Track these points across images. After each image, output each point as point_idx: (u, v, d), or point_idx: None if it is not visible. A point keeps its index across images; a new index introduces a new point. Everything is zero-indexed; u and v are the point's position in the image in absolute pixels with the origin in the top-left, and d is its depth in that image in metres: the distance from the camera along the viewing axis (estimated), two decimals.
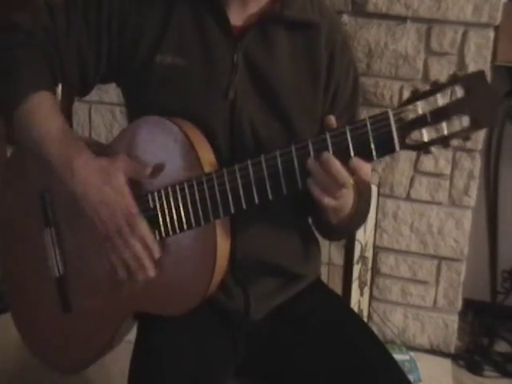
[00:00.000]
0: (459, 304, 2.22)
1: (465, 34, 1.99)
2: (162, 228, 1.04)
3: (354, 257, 1.95)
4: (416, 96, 0.91)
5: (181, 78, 1.10)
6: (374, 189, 1.97)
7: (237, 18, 1.12)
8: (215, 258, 1.02)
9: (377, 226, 2.13)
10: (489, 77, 2.01)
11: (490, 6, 1.94)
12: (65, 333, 1.16)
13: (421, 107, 0.91)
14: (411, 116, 0.91)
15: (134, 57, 1.12)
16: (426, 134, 0.91)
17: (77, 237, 1.13)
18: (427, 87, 0.92)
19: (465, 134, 0.90)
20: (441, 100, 0.90)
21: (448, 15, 1.98)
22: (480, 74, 0.88)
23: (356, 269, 1.99)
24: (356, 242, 1.95)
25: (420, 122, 0.90)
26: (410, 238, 2.17)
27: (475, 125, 0.88)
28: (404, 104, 0.92)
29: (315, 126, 1.15)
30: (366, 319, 2.16)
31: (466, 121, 0.89)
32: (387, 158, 2.09)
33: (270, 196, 0.99)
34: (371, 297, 2.22)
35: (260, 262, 1.16)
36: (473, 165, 2.08)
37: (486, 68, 2.00)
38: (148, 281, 1.04)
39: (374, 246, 2.14)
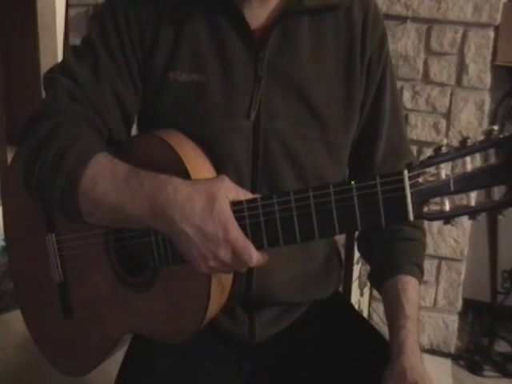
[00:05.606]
0: (459, 304, 2.21)
1: (465, 34, 1.99)
2: None
3: (354, 257, 1.95)
4: (439, 156, 0.75)
5: (198, 97, 0.99)
6: None
7: (255, 19, 1.01)
8: (208, 298, 0.94)
9: None
10: (489, 77, 2.02)
11: (489, 5, 1.94)
12: (66, 336, 1.15)
13: (444, 171, 0.75)
14: (432, 181, 0.76)
15: (147, 74, 1.02)
16: (448, 204, 0.76)
17: (77, 248, 1.09)
18: (453, 145, 0.76)
19: (498, 209, 0.73)
20: (470, 164, 0.75)
21: (448, 15, 1.97)
22: None
23: (356, 269, 1.99)
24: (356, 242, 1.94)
25: (442, 189, 0.76)
26: None
27: None
28: (423, 165, 0.77)
29: (352, 127, 1.06)
30: None
31: (500, 192, 0.73)
32: None
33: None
34: (371, 297, 2.21)
35: (276, 299, 1.08)
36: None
37: (486, 68, 2.00)
38: (141, 307, 1.01)
39: None
